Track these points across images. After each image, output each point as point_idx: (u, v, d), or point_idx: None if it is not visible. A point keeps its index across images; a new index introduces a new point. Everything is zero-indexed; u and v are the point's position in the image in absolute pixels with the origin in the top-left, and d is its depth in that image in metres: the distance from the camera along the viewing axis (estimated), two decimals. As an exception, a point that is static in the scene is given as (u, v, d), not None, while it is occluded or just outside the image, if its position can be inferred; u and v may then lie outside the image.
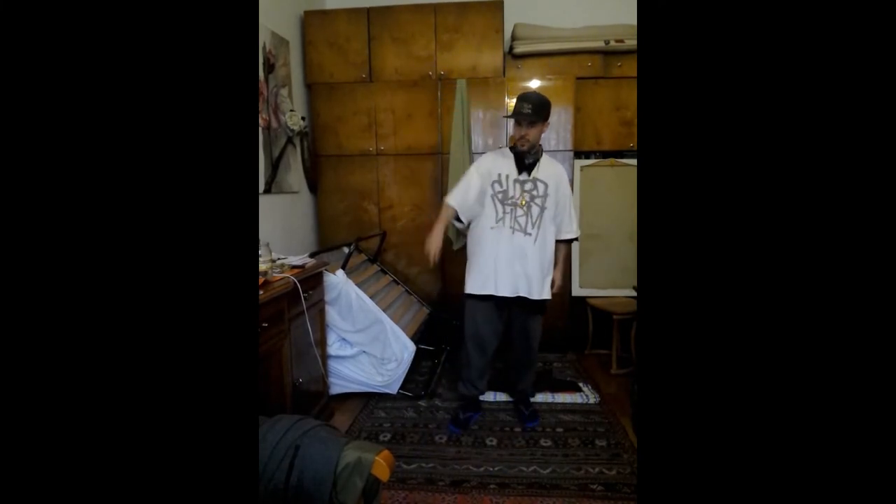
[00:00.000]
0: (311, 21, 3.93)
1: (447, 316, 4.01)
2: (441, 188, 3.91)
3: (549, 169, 2.72)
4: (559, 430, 2.85)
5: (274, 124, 3.41)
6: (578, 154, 3.99)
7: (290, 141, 3.63)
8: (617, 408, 3.11)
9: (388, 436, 2.83)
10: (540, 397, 3.22)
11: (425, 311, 3.80)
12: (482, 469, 2.46)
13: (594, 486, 2.31)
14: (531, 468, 2.46)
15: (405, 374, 3.18)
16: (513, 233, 2.68)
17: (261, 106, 3.24)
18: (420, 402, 3.22)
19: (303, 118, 3.72)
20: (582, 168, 4.03)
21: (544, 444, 2.69)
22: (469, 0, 3.83)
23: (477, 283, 2.76)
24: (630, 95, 3.90)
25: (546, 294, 2.77)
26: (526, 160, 2.68)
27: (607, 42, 3.83)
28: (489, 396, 3.25)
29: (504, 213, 2.68)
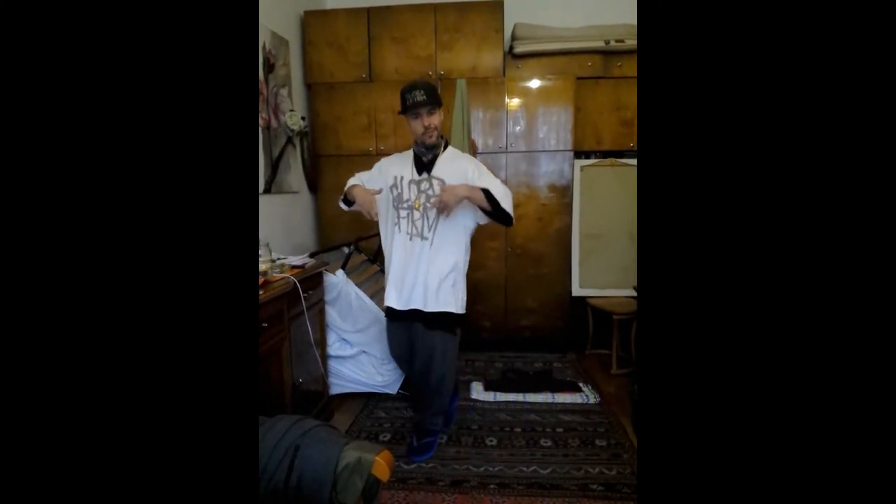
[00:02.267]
0: (311, 21, 3.93)
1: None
2: (441, 188, 3.90)
3: (451, 165, 2.45)
4: (559, 430, 2.84)
5: (274, 124, 3.41)
6: (578, 154, 3.98)
7: (289, 141, 3.62)
8: (617, 408, 3.11)
9: (388, 436, 2.83)
10: (540, 397, 3.22)
11: (425, 310, 3.80)
12: (482, 469, 2.46)
13: (594, 486, 2.30)
14: (531, 468, 2.46)
15: (404, 375, 3.16)
16: (410, 238, 2.47)
17: (260, 106, 3.23)
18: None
19: (303, 118, 3.71)
20: (582, 168, 4.03)
21: (544, 445, 2.69)
22: (469, 0, 3.83)
23: (386, 294, 2.60)
24: (630, 95, 3.89)
25: (444, 307, 2.48)
26: (424, 158, 2.46)
27: (607, 42, 3.82)
28: (489, 396, 3.26)
29: (400, 217, 2.48)
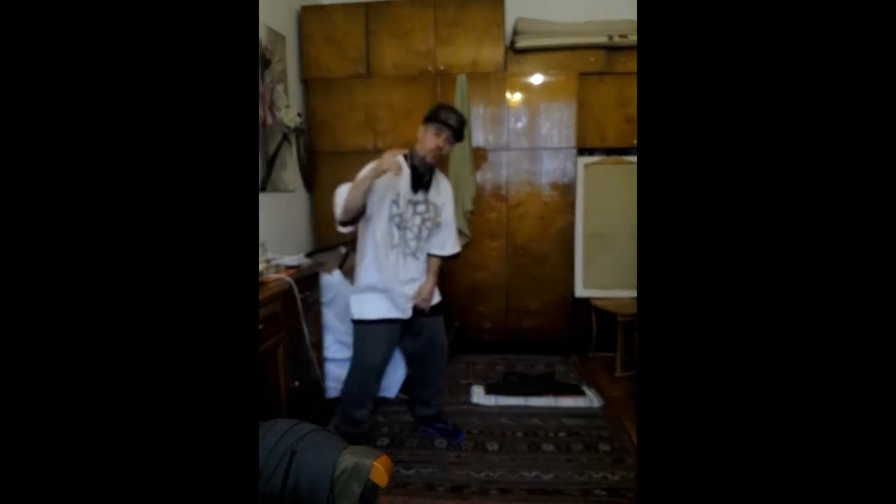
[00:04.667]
0: (308, 16, 3.89)
1: (447, 317, 3.95)
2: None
3: (442, 188, 2.55)
4: (562, 434, 2.81)
5: (269, 121, 3.36)
6: (582, 151, 3.94)
7: (285, 138, 3.57)
8: (621, 411, 3.07)
9: (387, 440, 2.79)
10: (542, 401, 3.17)
11: (424, 312, 3.77)
12: (483, 474, 2.43)
13: (597, 492, 2.28)
14: (533, 473, 2.43)
15: (404, 377, 3.12)
16: (404, 257, 2.50)
17: (256, 101, 3.18)
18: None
19: (299, 115, 3.65)
20: (585, 166, 3.98)
21: (546, 449, 2.65)
22: (469, -6, 3.79)
23: (375, 306, 2.51)
24: (634, 91, 3.81)
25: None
26: (425, 177, 2.44)
27: (611, 37, 3.77)
28: (490, 400, 3.21)
29: (400, 238, 2.47)
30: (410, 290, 2.55)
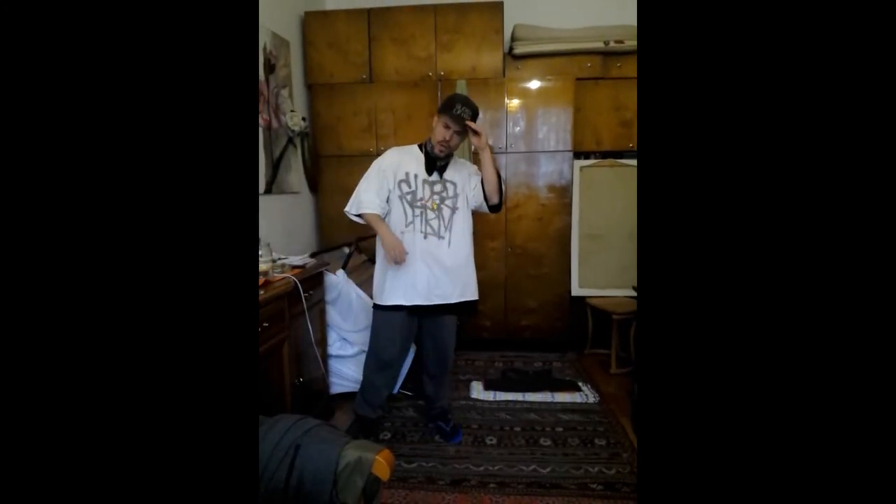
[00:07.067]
0: (312, 22, 3.94)
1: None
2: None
3: (460, 168, 2.58)
4: (559, 429, 2.85)
5: (275, 125, 3.41)
6: (578, 154, 3.99)
7: (290, 141, 3.63)
8: (616, 407, 3.12)
9: (389, 435, 2.83)
10: (540, 396, 3.22)
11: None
12: (482, 468, 2.47)
13: (594, 486, 2.31)
14: (531, 467, 2.47)
15: (405, 373, 3.17)
16: (425, 237, 2.49)
17: (262, 106, 3.24)
18: (420, 402, 3.19)
19: (303, 118, 3.72)
20: (581, 168, 4.04)
21: (544, 444, 2.70)
22: (469, 1, 3.84)
23: (388, 292, 2.56)
24: (629, 96, 3.90)
25: (467, 296, 2.59)
26: (438, 162, 2.51)
27: (607, 43, 3.83)
28: (489, 395, 3.26)
29: (414, 215, 2.49)
30: (435, 271, 2.49)
